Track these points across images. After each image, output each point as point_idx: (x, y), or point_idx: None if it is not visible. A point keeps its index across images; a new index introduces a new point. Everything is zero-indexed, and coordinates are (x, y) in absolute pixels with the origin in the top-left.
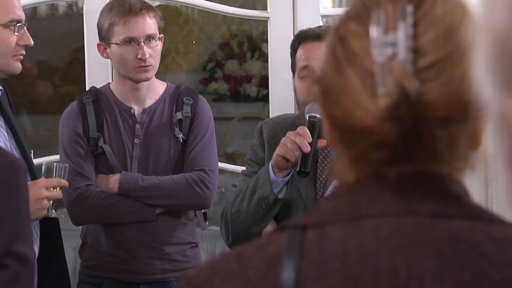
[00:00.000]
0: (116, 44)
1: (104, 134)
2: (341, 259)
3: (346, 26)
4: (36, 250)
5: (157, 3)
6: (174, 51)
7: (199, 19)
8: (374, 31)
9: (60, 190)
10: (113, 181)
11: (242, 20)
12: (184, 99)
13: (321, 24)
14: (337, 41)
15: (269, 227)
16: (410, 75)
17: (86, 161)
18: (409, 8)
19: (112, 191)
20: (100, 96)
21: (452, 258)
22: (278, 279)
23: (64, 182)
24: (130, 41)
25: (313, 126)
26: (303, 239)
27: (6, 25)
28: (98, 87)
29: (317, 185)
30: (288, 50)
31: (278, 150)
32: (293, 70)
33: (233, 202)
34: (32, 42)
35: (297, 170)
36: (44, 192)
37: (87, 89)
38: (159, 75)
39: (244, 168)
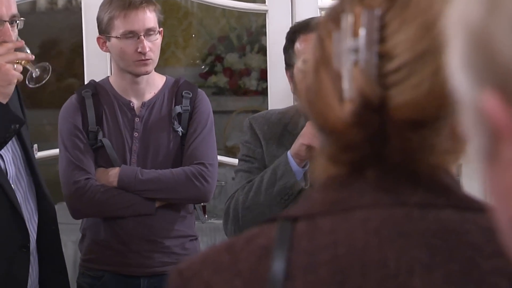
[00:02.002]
0: (116, 37)
1: (103, 128)
2: (331, 251)
3: (325, 27)
4: (33, 242)
5: None
6: (174, 44)
7: (198, 13)
8: (335, 37)
9: (23, 51)
10: (113, 174)
11: (241, 13)
12: (183, 93)
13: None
14: (317, 42)
15: None
16: (371, 82)
17: (85, 155)
18: (376, 12)
19: (111, 184)
20: (99, 89)
21: (441, 249)
22: (269, 270)
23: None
24: (130, 34)
25: None
26: (294, 230)
27: None
28: (97, 80)
29: None
30: None
31: (303, 140)
32: (291, 63)
33: (245, 198)
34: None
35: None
36: None
37: (86, 82)
38: (159, 69)
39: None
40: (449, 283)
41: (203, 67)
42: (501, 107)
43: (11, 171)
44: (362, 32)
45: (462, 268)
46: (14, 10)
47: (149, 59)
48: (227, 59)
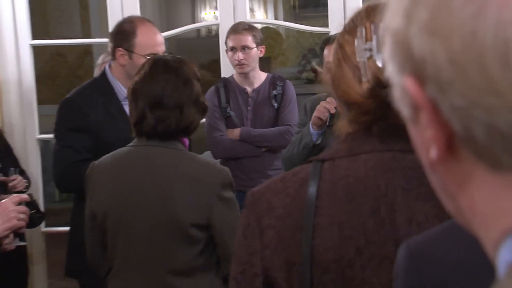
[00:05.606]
0: (228, 51)
1: (230, 105)
2: (345, 180)
3: (343, 37)
4: None
5: (260, 26)
6: (282, 54)
7: (295, 34)
8: (356, 42)
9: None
10: (236, 132)
11: (323, 34)
12: (277, 82)
13: None
14: (338, 47)
15: None
16: (381, 69)
17: (221, 121)
18: (380, 25)
19: (235, 138)
20: (227, 82)
21: (414, 178)
22: (306, 192)
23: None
24: (232, 49)
25: None
26: (322, 168)
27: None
28: (227, 77)
29: None
30: None
31: (315, 113)
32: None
33: (287, 150)
34: None
35: (327, 124)
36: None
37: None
38: (274, 69)
39: None
40: (419, 199)
41: (299, 67)
42: (416, 87)
43: None
44: (374, 38)
45: (427, 190)
46: None
47: (243, 64)
48: (313, 62)
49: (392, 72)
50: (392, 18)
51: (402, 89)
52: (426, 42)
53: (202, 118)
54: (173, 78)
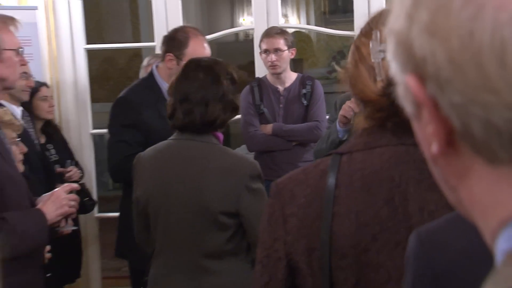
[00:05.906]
0: (262, 53)
1: (263, 102)
2: (361, 172)
3: (360, 39)
4: None
5: (292, 30)
6: (313, 56)
7: (325, 38)
8: (371, 44)
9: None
10: (269, 127)
11: (350, 37)
12: (306, 82)
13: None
14: (355, 48)
15: None
16: None
17: (255, 117)
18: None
19: (268, 133)
20: (260, 82)
21: (426, 170)
22: (326, 183)
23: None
24: (265, 51)
25: None
26: (340, 160)
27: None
28: (260, 77)
29: None
30: None
31: (341, 112)
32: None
33: (317, 144)
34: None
35: (352, 122)
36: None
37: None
38: (305, 70)
39: None
40: (430, 189)
41: (329, 68)
42: (418, 85)
43: None
44: (387, 40)
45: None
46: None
47: (276, 66)
48: (342, 63)
49: (395, 71)
50: (395, 20)
51: (405, 87)
52: (427, 42)
53: (232, 116)
54: (201, 76)
